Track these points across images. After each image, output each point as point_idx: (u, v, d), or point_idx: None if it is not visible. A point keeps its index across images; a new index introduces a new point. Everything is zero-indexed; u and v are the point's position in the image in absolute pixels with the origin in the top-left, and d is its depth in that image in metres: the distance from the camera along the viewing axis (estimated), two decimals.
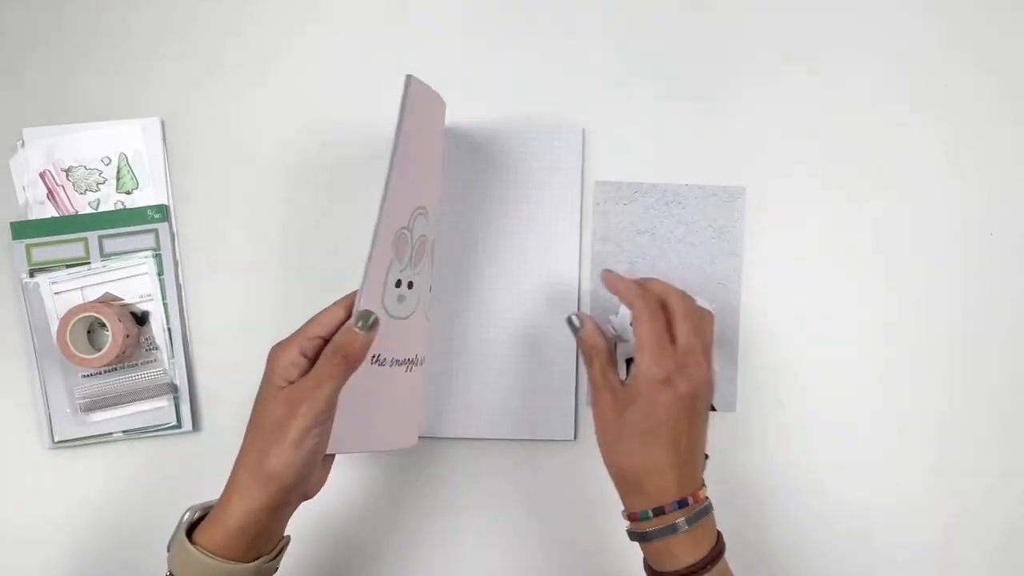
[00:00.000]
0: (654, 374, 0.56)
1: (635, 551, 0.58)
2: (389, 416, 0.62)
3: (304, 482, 0.55)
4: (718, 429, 0.70)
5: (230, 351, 0.71)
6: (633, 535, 0.57)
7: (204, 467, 0.70)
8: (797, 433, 0.71)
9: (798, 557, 0.70)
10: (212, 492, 0.67)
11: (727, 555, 0.57)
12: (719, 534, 0.57)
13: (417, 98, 0.58)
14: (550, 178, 0.70)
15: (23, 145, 0.70)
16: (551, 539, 0.70)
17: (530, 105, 0.72)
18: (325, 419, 0.54)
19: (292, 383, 0.54)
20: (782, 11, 0.73)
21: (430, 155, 0.62)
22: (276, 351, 0.56)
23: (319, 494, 0.58)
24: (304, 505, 0.57)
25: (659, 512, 0.55)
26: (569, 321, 0.62)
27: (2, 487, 0.70)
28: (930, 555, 0.71)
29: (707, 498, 0.57)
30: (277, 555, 0.56)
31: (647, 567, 0.58)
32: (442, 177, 0.68)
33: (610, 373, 0.59)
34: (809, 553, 0.71)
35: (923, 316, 0.72)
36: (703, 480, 0.58)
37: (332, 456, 0.59)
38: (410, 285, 0.61)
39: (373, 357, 0.58)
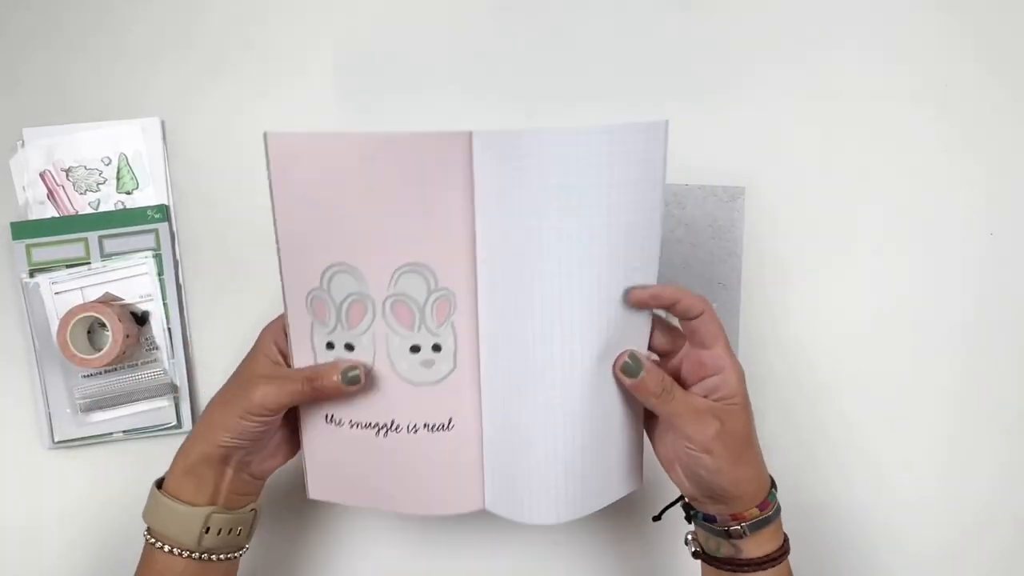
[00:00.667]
0: (741, 387, 0.56)
1: None
2: (432, 480, 0.58)
3: (245, 452, 0.57)
4: None
5: (230, 351, 0.70)
6: (740, 529, 0.56)
7: None
8: (797, 433, 0.71)
9: (802, 557, 0.70)
10: None
11: None
12: (785, 539, 0.59)
13: (284, 159, 0.53)
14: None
15: (23, 145, 0.70)
16: None
17: (534, 104, 0.72)
18: (270, 419, 0.56)
19: (275, 365, 0.57)
20: (782, 11, 0.73)
21: (370, 209, 0.53)
22: (266, 329, 0.59)
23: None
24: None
25: (764, 506, 0.56)
26: (626, 366, 0.55)
27: (2, 487, 0.70)
28: (938, 553, 0.71)
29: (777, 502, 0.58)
30: (241, 513, 0.58)
31: (712, 559, 0.58)
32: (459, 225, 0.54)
33: (693, 399, 0.56)
34: (813, 553, 0.71)
35: (923, 316, 0.72)
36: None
37: (290, 450, 0.60)
38: (436, 348, 0.56)
39: (391, 423, 0.57)
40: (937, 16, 0.73)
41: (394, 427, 0.57)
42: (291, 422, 0.59)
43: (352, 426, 0.57)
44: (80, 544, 0.70)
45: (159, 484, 0.57)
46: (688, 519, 0.60)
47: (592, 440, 0.56)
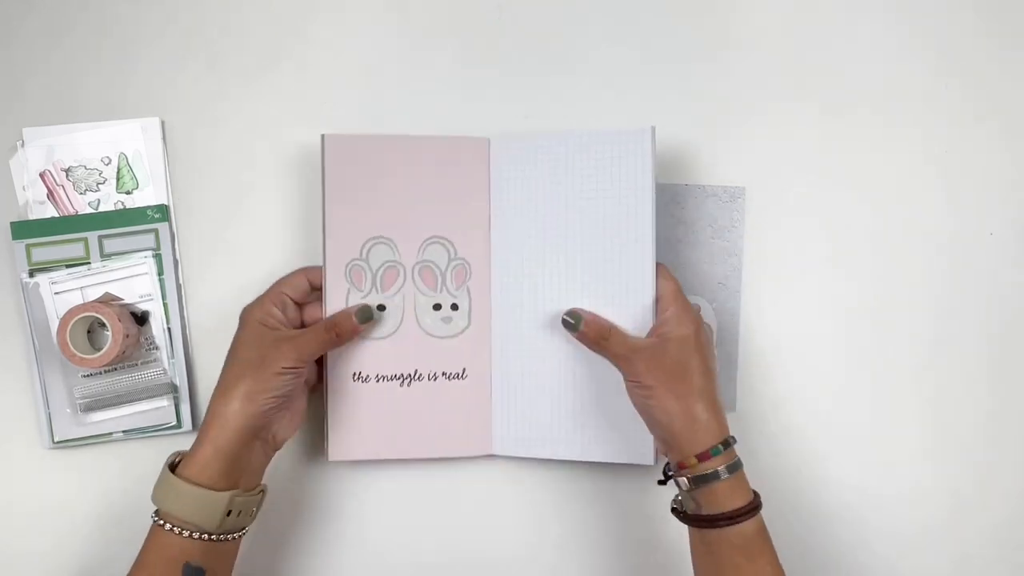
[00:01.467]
0: (683, 324, 0.61)
1: None
2: (447, 425, 0.69)
3: (274, 418, 0.61)
4: None
5: None
6: (687, 482, 0.58)
7: None
8: (797, 433, 0.71)
9: (799, 553, 0.70)
10: None
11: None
12: (756, 495, 0.59)
13: (337, 156, 0.66)
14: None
15: (23, 145, 0.70)
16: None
17: (530, 106, 0.72)
18: (302, 369, 0.61)
19: (274, 329, 0.62)
20: (783, 12, 0.73)
21: (403, 191, 0.67)
22: (251, 308, 0.63)
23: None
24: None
25: (704, 457, 0.57)
26: (565, 322, 0.65)
27: (2, 487, 0.70)
28: (929, 548, 0.71)
29: (736, 457, 0.59)
30: (254, 495, 0.61)
31: (686, 517, 0.59)
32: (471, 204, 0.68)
33: (630, 338, 0.63)
34: (809, 549, 0.71)
35: (923, 316, 0.72)
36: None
37: (301, 413, 0.65)
38: (454, 307, 0.68)
39: (414, 373, 0.68)
40: (937, 16, 0.73)
41: (417, 376, 0.68)
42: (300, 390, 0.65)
43: (378, 380, 0.67)
44: (80, 544, 0.70)
45: (171, 468, 0.59)
46: (663, 480, 0.62)
47: (597, 397, 0.66)
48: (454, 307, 0.68)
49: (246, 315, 0.63)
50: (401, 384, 0.68)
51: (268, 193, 0.71)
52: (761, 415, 0.71)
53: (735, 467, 0.58)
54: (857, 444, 0.71)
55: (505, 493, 0.71)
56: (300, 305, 0.66)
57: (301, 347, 0.61)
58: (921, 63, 0.73)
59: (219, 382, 0.61)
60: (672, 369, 0.59)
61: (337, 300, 0.66)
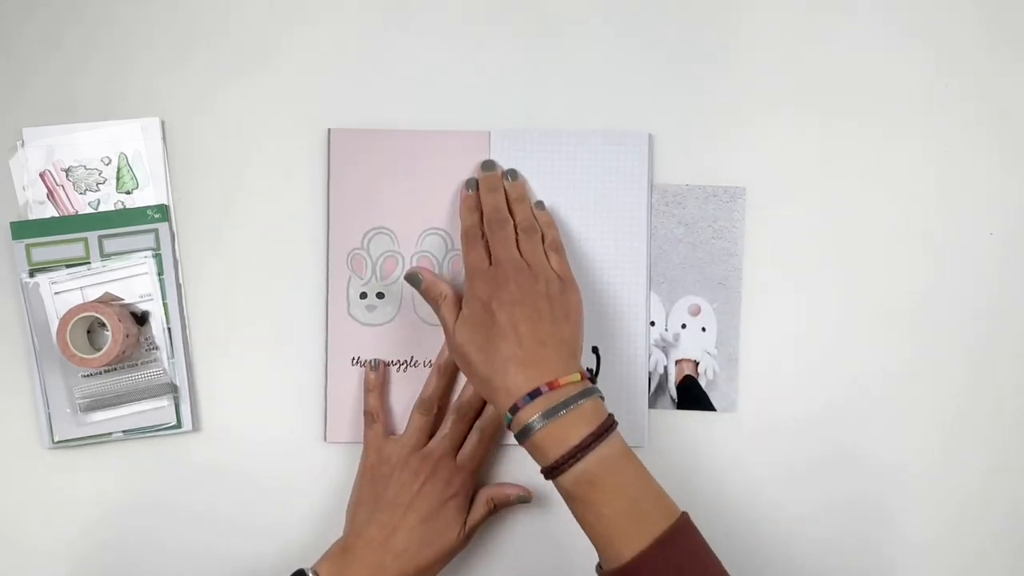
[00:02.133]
0: (477, 296, 0.61)
1: None
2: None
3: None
4: (719, 428, 0.71)
5: (230, 351, 0.71)
6: (518, 440, 0.58)
7: (204, 467, 0.70)
8: (797, 433, 0.71)
9: (798, 552, 0.70)
10: (212, 491, 0.68)
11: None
12: (608, 416, 0.57)
13: (343, 149, 0.70)
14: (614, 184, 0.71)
15: (23, 145, 0.70)
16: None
17: (531, 103, 0.72)
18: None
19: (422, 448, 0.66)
20: (783, 12, 0.73)
21: (401, 186, 0.70)
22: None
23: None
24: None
25: (514, 410, 0.57)
26: (410, 278, 0.67)
27: (2, 487, 0.70)
28: (932, 554, 0.71)
29: (576, 383, 0.57)
30: None
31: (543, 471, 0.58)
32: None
33: (457, 309, 0.63)
34: (806, 549, 0.71)
35: (923, 316, 0.72)
36: (579, 368, 0.59)
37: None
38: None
39: (410, 359, 0.70)
40: (937, 16, 0.73)
41: (412, 362, 0.70)
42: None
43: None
44: (80, 544, 0.70)
45: None
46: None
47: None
48: None
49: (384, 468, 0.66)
50: (398, 370, 0.70)
51: (268, 193, 0.71)
52: (761, 414, 0.71)
53: (555, 411, 0.56)
54: (857, 445, 0.71)
55: (495, 475, 0.71)
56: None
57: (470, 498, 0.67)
58: (921, 63, 0.73)
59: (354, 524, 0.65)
60: (472, 326, 0.60)
61: (339, 289, 0.70)
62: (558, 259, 0.65)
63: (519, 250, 0.64)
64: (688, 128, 0.72)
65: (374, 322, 0.70)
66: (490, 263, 0.63)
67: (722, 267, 0.71)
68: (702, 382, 0.71)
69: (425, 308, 0.68)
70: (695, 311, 0.71)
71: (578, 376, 0.58)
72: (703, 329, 0.71)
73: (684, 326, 0.71)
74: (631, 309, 0.70)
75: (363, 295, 0.70)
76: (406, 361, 0.70)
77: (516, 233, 0.65)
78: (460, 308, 0.63)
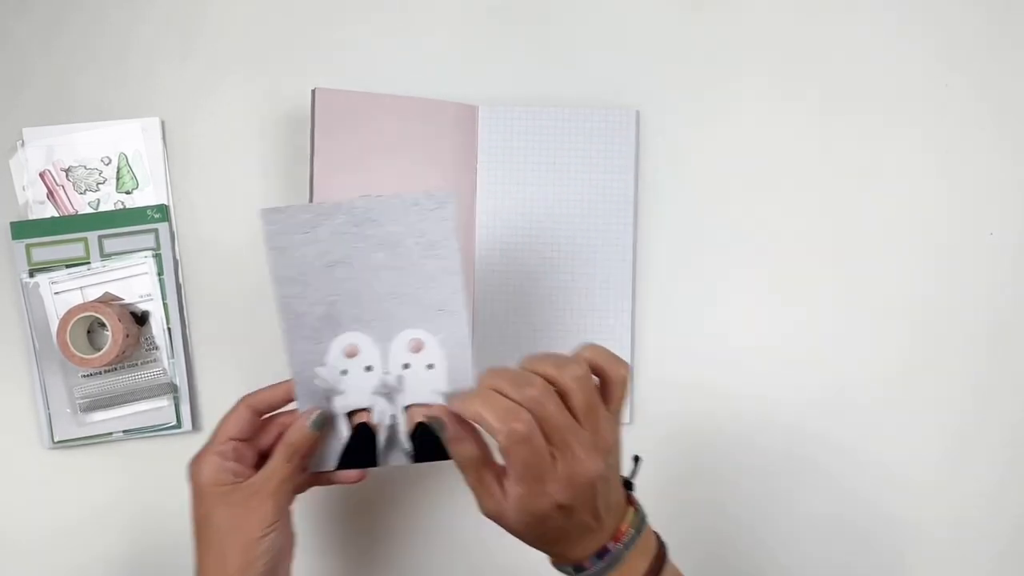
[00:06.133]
0: (549, 494, 0.49)
1: None
2: None
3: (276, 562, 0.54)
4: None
5: (230, 351, 0.71)
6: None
7: None
8: (789, 445, 0.71)
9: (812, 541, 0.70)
10: None
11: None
12: (660, 543, 0.54)
13: (328, 111, 0.66)
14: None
15: (23, 145, 0.70)
16: None
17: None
18: (284, 513, 0.55)
19: (235, 484, 0.54)
20: (783, 11, 0.73)
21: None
22: (198, 468, 0.55)
23: None
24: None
25: (580, 568, 0.52)
26: (430, 427, 0.54)
27: (2, 487, 0.70)
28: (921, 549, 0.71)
29: (631, 528, 0.52)
30: None
31: None
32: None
33: (489, 482, 0.51)
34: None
35: (922, 315, 0.72)
36: (627, 504, 0.53)
37: (293, 539, 0.58)
38: None
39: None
40: (936, 15, 0.73)
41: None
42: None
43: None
44: (80, 544, 0.70)
45: None
46: None
47: None
48: None
49: (196, 480, 0.55)
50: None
51: (268, 193, 0.71)
52: (764, 414, 0.71)
53: (619, 556, 0.51)
54: (857, 444, 0.72)
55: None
56: (249, 440, 0.57)
57: (275, 494, 0.54)
58: (921, 63, 0.73)
59: (199, 565, 0.54)
60: (535, 526, 0.51)
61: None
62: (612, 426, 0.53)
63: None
64: (690, 128, 0.72)
65: None
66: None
67: (439, 291, 0.58)
68: None
69: None
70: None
71: (632, 512, 0.53)
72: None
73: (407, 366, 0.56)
74: (616, 287, 0.70)
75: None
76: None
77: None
78: (492, 477, 0.51)
